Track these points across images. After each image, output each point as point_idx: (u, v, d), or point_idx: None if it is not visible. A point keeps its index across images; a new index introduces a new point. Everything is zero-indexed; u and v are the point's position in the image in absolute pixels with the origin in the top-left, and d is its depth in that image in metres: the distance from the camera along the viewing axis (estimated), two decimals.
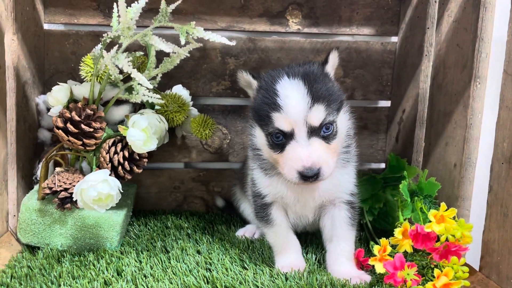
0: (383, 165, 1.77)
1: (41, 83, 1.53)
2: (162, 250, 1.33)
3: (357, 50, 1.68)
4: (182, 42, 1.10)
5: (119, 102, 1.34)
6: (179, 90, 1.47)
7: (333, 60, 1.16)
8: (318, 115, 1.04)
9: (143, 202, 1.69)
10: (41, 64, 1.53)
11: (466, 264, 1.18)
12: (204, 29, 1.59)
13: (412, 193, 1.33)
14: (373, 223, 1.47)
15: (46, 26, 1.56)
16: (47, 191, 1.22)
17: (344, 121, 1.14)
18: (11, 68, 1.32)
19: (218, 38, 1.07)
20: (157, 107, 1.40)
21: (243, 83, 1.18)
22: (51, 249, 1.29)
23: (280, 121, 1.05)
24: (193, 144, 1.67)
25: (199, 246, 1.37)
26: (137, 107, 1.41)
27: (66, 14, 1.55)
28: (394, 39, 1.69)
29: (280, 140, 1.07)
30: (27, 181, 1.44)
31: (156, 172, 1.69)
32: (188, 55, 1.17)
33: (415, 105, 1.52)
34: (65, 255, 1.27)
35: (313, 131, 1.05)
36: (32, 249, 1.32)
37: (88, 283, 1.10)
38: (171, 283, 1.12)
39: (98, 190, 1.13)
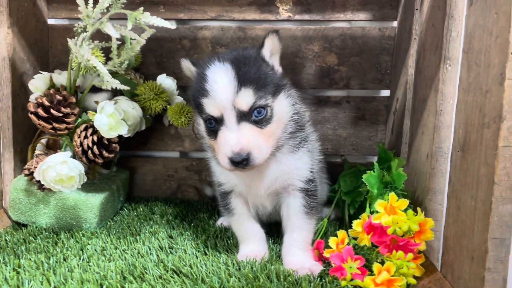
0: None
1: None
2: (134, 233, 1.37)
3: (352, 36, 1.60)
4: (129, 27, 1.12)
5: (98, 89, 1.40)
6: (163, 79, 1.50)
7: (270, 43, 1.11)
8: (246, 99, 1.02)
9: (139, 189, 1.75)
10: (44, 57, 1.65)
11: (428, 262, 1.10)
12: (194, 19, 1.64)
13: (386, 184, 1.25)
14: (355, 217, 1.39)
15: (52, 21, 1.68)
16: (27, 172, 1.31)
17: (285, 106, 1.10)
18: (6, 59, 1.44)
19: (161, 22, 1.08)
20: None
21: (187, 72, 1.19)
22: (36, 227, 1.39)
23: (210, 107, 1.04)
24: (186, 133, 1.70)
25: (173, 231, 1.39)
26: (118, 95, 1.46)
27: (67, 10, 1.65)
28: (394, 24, 1.59)
29: (213, 126, 1.06)
30: (25, 164, 1.55)
31: (151, 160, 1.74)
32: (144, 41, 1.19)
33: (405, 93, 1.41)
34: (43, 232, 1.35)
35: (243, 116, 1.03)
36: (20, 226, 1.42)
37: (46, 257, 1.16)
38: (123, 263, 1.15)
39: (57, 171, 1.20)
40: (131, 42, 1.20)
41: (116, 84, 1.20)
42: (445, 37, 1.07)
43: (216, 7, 1.62)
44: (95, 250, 1.23)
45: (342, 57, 1.61)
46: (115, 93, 1.46)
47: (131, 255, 1.21)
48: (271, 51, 1.13)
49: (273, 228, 1.37)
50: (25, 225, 1.42)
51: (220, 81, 1.03)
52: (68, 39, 1.27)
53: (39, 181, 1.30)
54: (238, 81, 1.02)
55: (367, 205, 1.21)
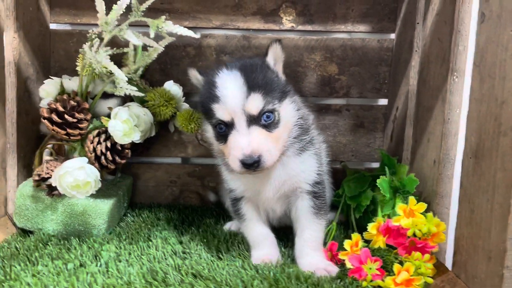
0: None
1: (46, 79, 1.63)
2: (145, 239, 1.38)
3: (352, 47, 1.66)
4: (152, 35, 1.14)
5: (108, 95, 1.41)
6: (170, 86, 1.52)
7: (274, 52, 1.17)
8: (255, 103, 1.07)
9: (141, 195, 1.75)
10: (46, 62, 1.63)
11: (439, 263, 1.15)
12: (199, 28, 1.66)
13: (395, 190, 1.30)
14: (361, 221, 1.44)
15: (54, 26, 1.66)
16: (37, 177, 1.30)
17: (290, 111, 1.15)
18: (12, 64, 1.42)
19: (185, 31, 1.11)
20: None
21: (194, 81, 1.23)
22: (43, 233, 1.37)
23: (220, 112, 1.09)
24: (189, 139, 1.72)
25: (183, 237, 1.41)
26: (128, 101, 1.47)
27: (70, 15, 1.65)
28: (392, 36, 1.67)
29: (223, 131, 1.11)
30: (29, 170, 1.53)
31: (154, 166, 1.74)
32: (163, 49, 1.21)
33: (406, 102, 1.48)
34: (52, 239, 1.34)
35: (253, 120, 1.07)
36: (26, 232, 1.40)
37: (63, 264, 1.16)
38: (141, 268, 1.15)
39: (74, 177, 1.20)
40: (148, 49, 1.21)
41: (133, 91, 1.21)
42: (452, 50, 1.15)
43: (221, 16, 1.65)
44: (110, 255, 1.23)
45: (342, 67, 1.68)
46: (124, 99, 1.47)
47: (147, 260, 1.22)
48: (274, 59, 1.18)
49: (282, 233, 1.41)
50: (31, 232, 1.40)
51: (230, 87, 1.08)
52: (84, 44, 1.27)
53: (50, 187, 1.29)
54: (247, 87, 1.07)
55: (379, 208, 1.26)
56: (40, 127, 1.58)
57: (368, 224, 1.44)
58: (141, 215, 1.60)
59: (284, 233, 1.42)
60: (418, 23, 1.42)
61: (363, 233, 1.19)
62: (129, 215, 1.61)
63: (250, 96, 1.07)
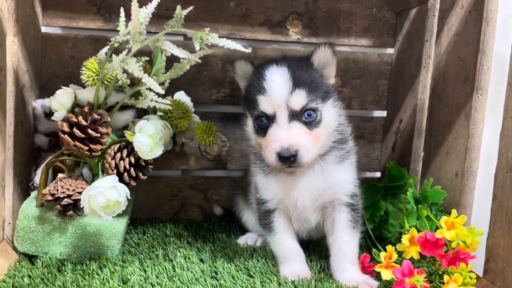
0: (378, 174, 1.80)
1: (37, 87, 1.49)
2: (165, 258, 1.31)
3: (355, 60, 1.71)
4: (197, 48, 1.09)
5: (123, 107, 1.32)
6: (182, 97, 1.46)
7: (319, 54, 1.19)
8: (299, 99, 1.10)
9: (140, 210, 1.65)
10: (38, 68, 1.49)
11: (471, 271, 1.22)
12: None
13: (415, 201, 1.35)
14: (373, 231, 1.48)
15: (47, 29, 1.53)
16: (49, 197, 1.19)
17: (332, 114, 1.18)
18: (11, 71, 1.28)
19: (233, 45, 1.07)
20: (159, 113, 1.39)
21: (239, 73, 1.24)
22: (50, 258, 1.25)
23: (264, 104, 1.11)
24: (192, 151, 1.66)
25: (202, 254, 1.35)
26: (141, 113, 1.39)
27: (65, 18, 1.53)
28: (390, 50, 1.73)
29: (264, 123, 1.13)
30: (23, 188, 1.39)
31: (154, 179, 1.66)
32: (200, 61, 1.17)
33: (413, 115, 1.55)
34: (66, 264, 1.23)
35: (294, 115, 1.10)
36: (29, 258, 1.27)
37: None
38: None
39: (106, 197, 1.11)
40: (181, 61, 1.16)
41: (165, 104, 1.15)
42: (477, 70, 1.22)
43: (228, 25, 1.62)
44: (139, 280, 1.16)
45: (345, 79, 1.71)
46: (137, 110, 1.38)
47: (180, 282, 1.16)
48: (319, 60, 1.19)
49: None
50: (35, 257, 1.27)
51: (277, 80, 1.11)
52: (100, 52, 1.19)
53: (65, 206, 1.19)
54: (293, 82, 1.10)
55: (405, 219, 1.30)
56: (35, 140, 1.45)
57: (380, 233, 1.50)
58: (146, 233, 1.52)
59: (305, 246, 1.42)
60: (427, 40, 1.49)
61: (397, 245, 1.22)
62: (132, 232, 1.51)
63: (295, 91, 1.10)
